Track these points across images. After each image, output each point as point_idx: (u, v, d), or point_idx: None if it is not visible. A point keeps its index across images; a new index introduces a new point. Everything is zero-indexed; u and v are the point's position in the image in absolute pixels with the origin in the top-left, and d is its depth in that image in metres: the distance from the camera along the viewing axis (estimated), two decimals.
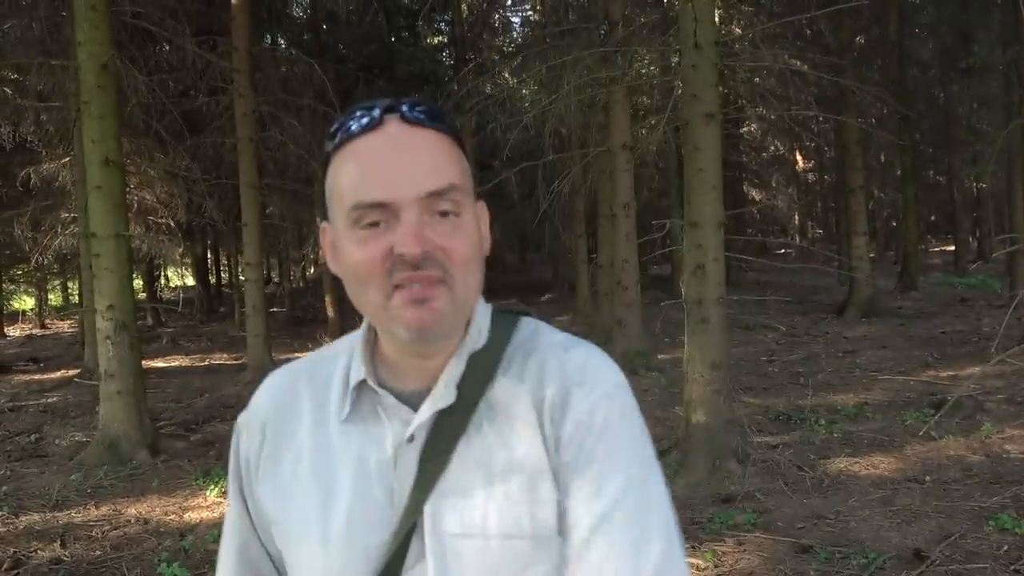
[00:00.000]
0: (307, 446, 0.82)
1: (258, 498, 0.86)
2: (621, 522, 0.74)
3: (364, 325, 0.85)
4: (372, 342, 0.84)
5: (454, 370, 0.79)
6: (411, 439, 0.78)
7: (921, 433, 5.70)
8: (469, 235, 0.76)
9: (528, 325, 0.86)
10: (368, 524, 0.77)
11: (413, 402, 0.80)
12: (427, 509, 0.76)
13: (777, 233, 30.08)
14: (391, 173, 0.73)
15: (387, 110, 0.76)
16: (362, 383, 0.81)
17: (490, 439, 0.78)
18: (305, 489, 0.81)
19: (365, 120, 0.75)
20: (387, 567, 0.76)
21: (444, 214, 0.74)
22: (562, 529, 0.75)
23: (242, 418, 0.90)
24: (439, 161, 0.75)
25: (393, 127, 0.75)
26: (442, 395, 0.78)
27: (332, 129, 0.78)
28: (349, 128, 0.76)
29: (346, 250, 0.75)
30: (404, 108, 0.76)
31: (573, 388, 0.78)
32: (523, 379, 0.80)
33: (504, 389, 0.80)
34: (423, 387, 0.80)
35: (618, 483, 0.75)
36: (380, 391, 0.80)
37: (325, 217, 0.82)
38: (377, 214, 0.73)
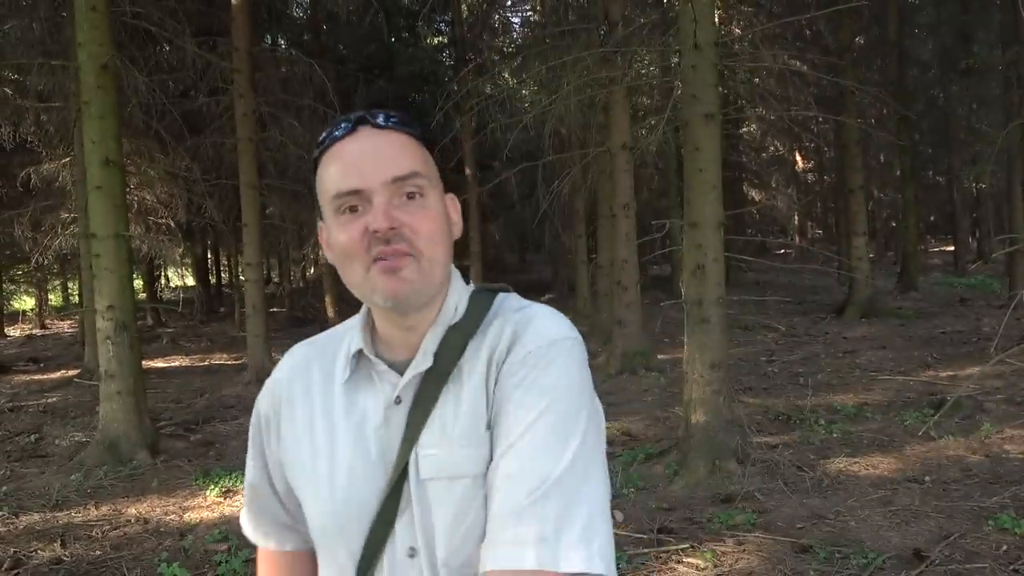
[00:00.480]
0: (318, 408, 0.97)
1: (277, 448, 1.01)
2: (545, 427, 0.84)
3: (364, 308, 0.98)
4: (371, 324, 0.98)
5: (431, 340, 0.92)
6: (398, 401, 0.92)
7: (921, 433, 5.71)
8: (434, 216, 0.90)
9: (501, 299, 0.98)
10: (365, 475, 0.91)
11: (401, 370, 0.93)
12: (411, 460, 0.89)
13: (777, 233, 30.08)
14: (362, 165, 0.87)
15: (359, 120, 0.91)
16: (359, 353, 0.95)
17: (450, 396, 0.90)
18: (317, 443, 0.95)
19: (343, 128, 0.91)
20: (383, 511, 0.89)
21: (411, 196, 0.88)
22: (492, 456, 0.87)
23: (266, 384, 1.05)
24: (402, 153, 0.89)
25: (365, 132, 0.90)
26: (420, 361, 0.91)
27: (319, 139, 0.93)
28: (332, 135, 0.91)
29: (333, 236, 0.90)
30: (376, 118, 0.91)
31: (518, 338, 0.90)
32: (485, 340, 0.92)
33: (471, 353, 0.92)
34: (409, 357, 0.93)
35: (546, 400, 0.85)
36: (373, 359, 0.94)
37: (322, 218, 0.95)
38: (354, 199, 0.87)
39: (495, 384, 0.88)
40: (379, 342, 0.97)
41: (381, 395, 0.92)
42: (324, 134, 0.92)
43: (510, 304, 0.96)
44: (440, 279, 0.92)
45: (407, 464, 0.88)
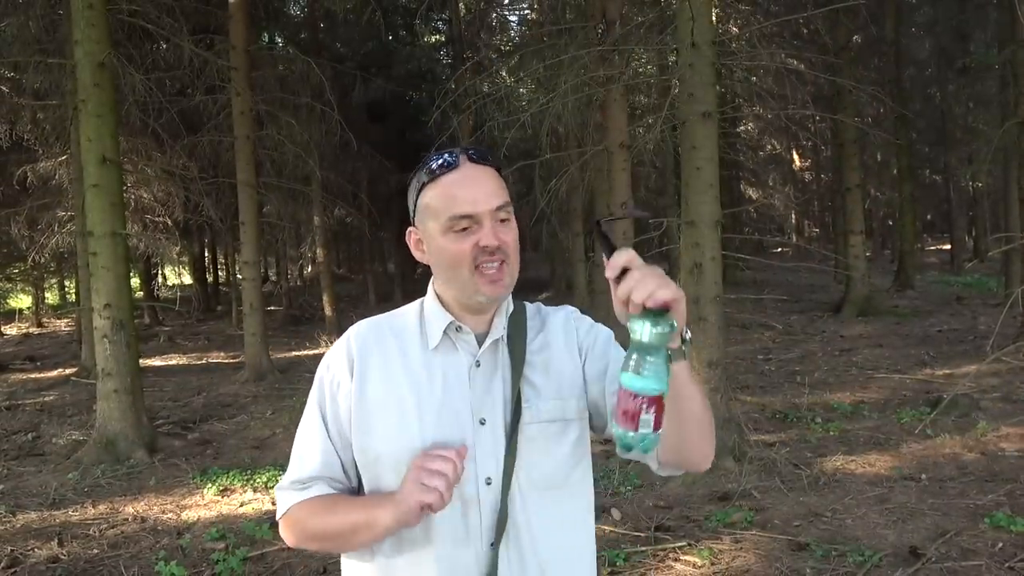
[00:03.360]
0: (398, 367, 1.23)
1: (345, 402, 1.22)
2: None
3: (430, 297, 1.28)
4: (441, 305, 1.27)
5: (501, 320, 1.26)
6: (478, 364, 1.23)
7: (917, 431, 5.72)
8: (515, 233, 1.22)
9: (530, 304, 1.36)
10: (452, 418, 1.19)
11: (477, 342, 1.25)
12: (505, 407, 1.20)
13: (774, 232, 30.11)
14: (473, 196, 1.17)
15: (460, 153, 1.20)
16: (450, 328, 1.23)
17: (538, 367, 1.25)
18: (402, 393, 1.20)
19: (449, 160, 1.19)
20: (473, 445, 1.18)
21: (503, 220, 1.19)
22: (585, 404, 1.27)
23: (337, 352, 1.26)
24: (497, 187, 1.20)
25: (466, 166, 1.19)
26: (494, 334, 1.24)
27: (423, 169, 1.21)
28: (438, 166, 1.19)
29: (441, 246, 1.19)
30: (470, 152, 1.21)
31: (577, 322, 1.33)
32: (549, 330, 1.30)
33: (540, 339, 1.28)
34: (478, 332, 1.24)
35: (617, 348, 1.28)
36: (465, 328, 1.23)
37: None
38: (466, 222, 1.17)
39: (578, 349, 1.28)
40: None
41: (463, 360, 1.22)
42: (432, 165, 1.19)
43: (550, 308, 1.36)
44: (516, 278, 1.23)
45: (501, 407, 1.20)
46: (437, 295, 1.27)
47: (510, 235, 1.19)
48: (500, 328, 1.25)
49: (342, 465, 1.24)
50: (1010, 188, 13.55)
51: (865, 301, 13.02)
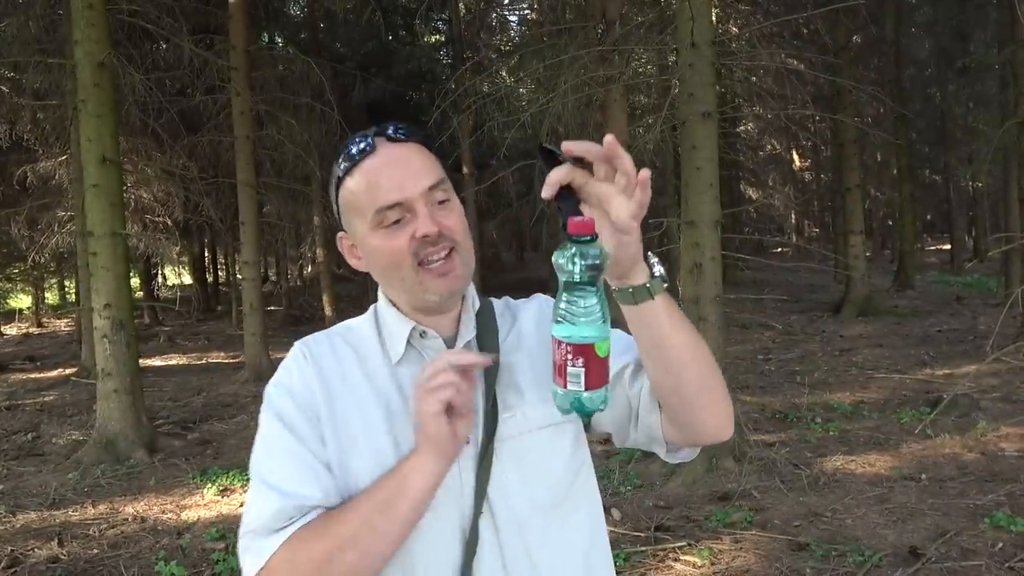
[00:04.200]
0: (362, 382, 1.04)
1: (318, 424, 1.01)
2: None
3: (383, 302, 1.09)
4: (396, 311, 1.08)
5: (469, 317, 1.08)
6: None
7: (917, 431, 5.72)
8: (461, 213, 1.03)
9: (497, 300, 1.18)
10: None
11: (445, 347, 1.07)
12: (484, 425, 1.02)
13: (774, 232, 30.09)
14: (397, 179, 0.97)
15: (375, 135, 1.00)
16: (415, 335, 1.05)
17: (516, 368, 1.06)
18: (370, 412, 1.01)
19: (363, 146, 0.99)
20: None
21: (442, 202, 1.00)
22: None
23: (285, 379, 1.05)
24: (427, 164, 1.01)
25: (384, 147, 1.00)
26: (465, 334, 1.07)
27: (338, 160, 1.02)
28: (352, 155, 1.00)
29: (374, 246, 1.00)
30: (388, 130, 1.01)
31: (551, 311, 1.00)
32: (522, 325, 1.12)
33: (513, 337, 1.10)
34: (446, 337, 1.06)
35: None
36: (431, 333, 1.05)
37: (342, 227, 1.07)
38: (397, 213, 0.97)
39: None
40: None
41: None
42: (345, 154, 1.01)
43: (507, 301, 1.18)
44: (472, 266, 1.05)
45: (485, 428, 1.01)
46: (390, 300, 1.08)
47: (453, 217, 1.00)
48: (471, 328, 1.07)
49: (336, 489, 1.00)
50: (1010, 188, 13.54)
51: (865, 301, 13.02)
